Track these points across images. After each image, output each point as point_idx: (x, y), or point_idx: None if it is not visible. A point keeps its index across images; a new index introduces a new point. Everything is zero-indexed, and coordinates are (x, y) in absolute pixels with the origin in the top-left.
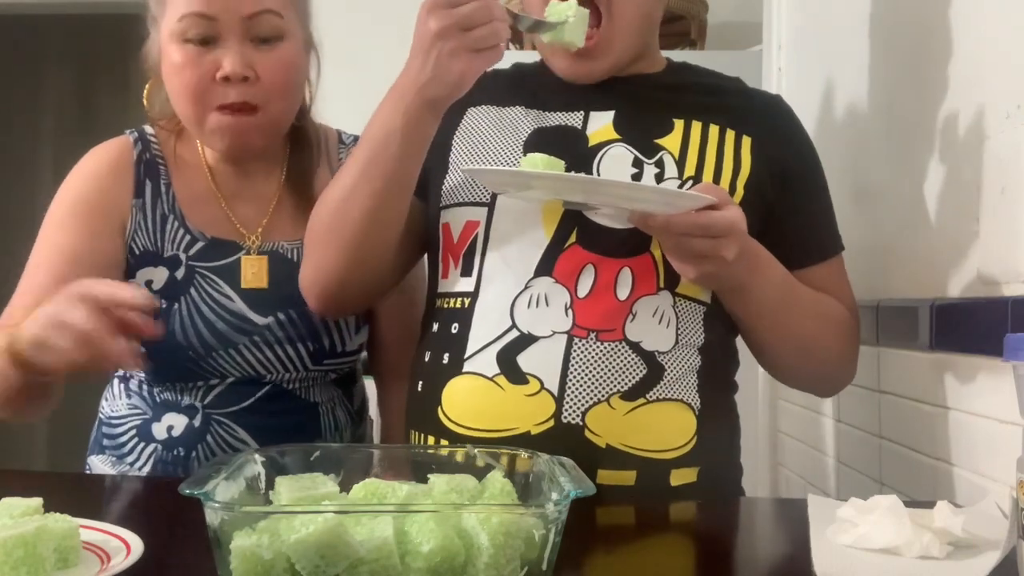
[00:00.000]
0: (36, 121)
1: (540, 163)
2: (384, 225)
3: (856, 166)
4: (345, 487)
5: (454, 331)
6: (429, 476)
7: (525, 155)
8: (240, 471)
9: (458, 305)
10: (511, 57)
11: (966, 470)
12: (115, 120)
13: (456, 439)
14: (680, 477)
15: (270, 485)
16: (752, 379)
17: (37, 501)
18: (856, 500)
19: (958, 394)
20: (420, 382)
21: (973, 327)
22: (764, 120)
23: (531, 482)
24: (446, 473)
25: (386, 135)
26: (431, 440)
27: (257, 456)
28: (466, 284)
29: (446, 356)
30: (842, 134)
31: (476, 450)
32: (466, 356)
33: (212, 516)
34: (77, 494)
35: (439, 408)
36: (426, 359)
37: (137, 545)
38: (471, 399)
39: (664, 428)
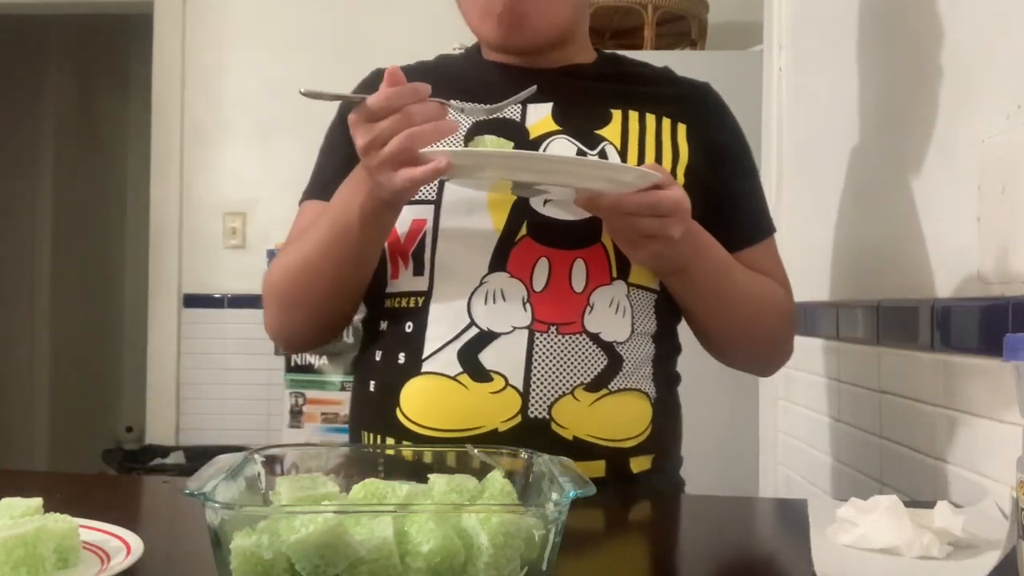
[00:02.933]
0: (36, 121)
1: (489, 144)
2: (350, 292)
3: (856, 166)
4: (345, 487)
5: (408, 330)
6: (429, 476)
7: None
8: (240, 471)
9: (411, 304)
10: None
11: (966, 470)
12: (115, 120)
13: (417, 439)
14: (638, 465)
15: (270, 485)
16: (753, 380)
17: (37, 501)
18: (856, 500)
19: (958, 394)
20: (372, 382)
21: (973, 327)
22: (696, 107)
23: (531, 482)
24: (446, 473)
25: (346, 223)
26: (389, 441)
27: (257, 456)
28: (418, 283)
29: (402, 356)
30: (842, 134)
31: (476, 450)
32: (424, 356)
33: (212, 516)
34: (77, 494)
35: (397, 409)
36: (377, 358)
37: (137, 545)
38: (433, 399)
39: (625, 417)
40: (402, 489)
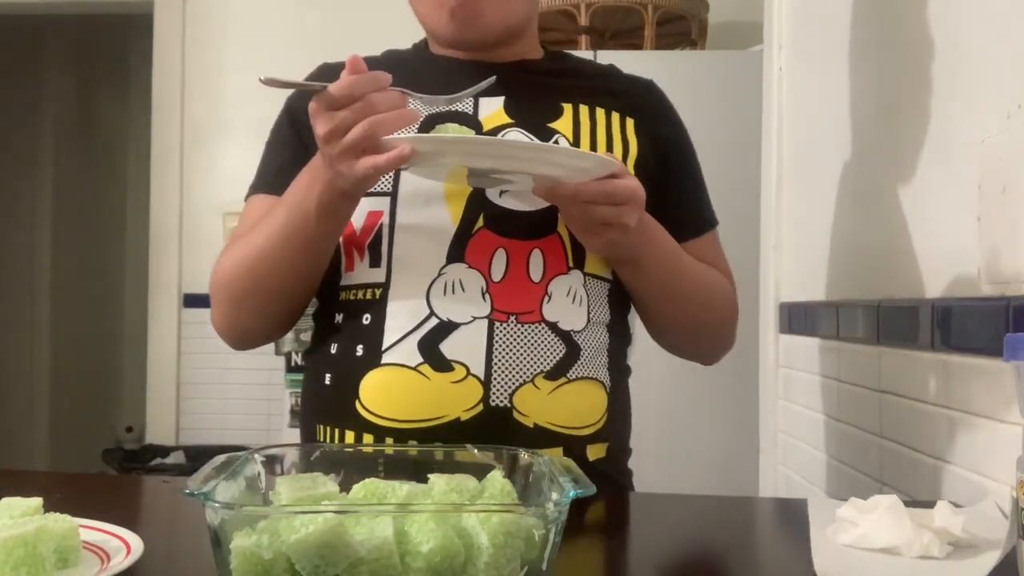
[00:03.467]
0: (36, 121)
1: (452, 132)
2: (304, 284)
3: (856, 166)
4: (345, 487)
5: (366, 322)
6: (429, 476)
7: None
8: (240, 471)
9: (368, 296)
10: None
11: (966, 470)
12: (115, 120)
13: (378, 432)
14: (594, 452)
15: (270, 485)
16: (752, 380)
17: (37, 501)
18: (856, 500)
19: (958, 394)
20: (328, 375)
21: (973, 327)
22: (642, 101)
23: (531, 482)
24: (446, 473)
25: (304, 214)
26: (348, 435)
27: (257, 456)
28: (375, 275)
29: (360, 348)
30: (842, 134)
31: (476, 450)
32: (384, 347)
33: (212, 516)
34: (77, 494)
35: (356, 401)
36: (333, 351)
37: (137, 545)
38: (395, 390)
39: (583, 405)
40: (402, 489)
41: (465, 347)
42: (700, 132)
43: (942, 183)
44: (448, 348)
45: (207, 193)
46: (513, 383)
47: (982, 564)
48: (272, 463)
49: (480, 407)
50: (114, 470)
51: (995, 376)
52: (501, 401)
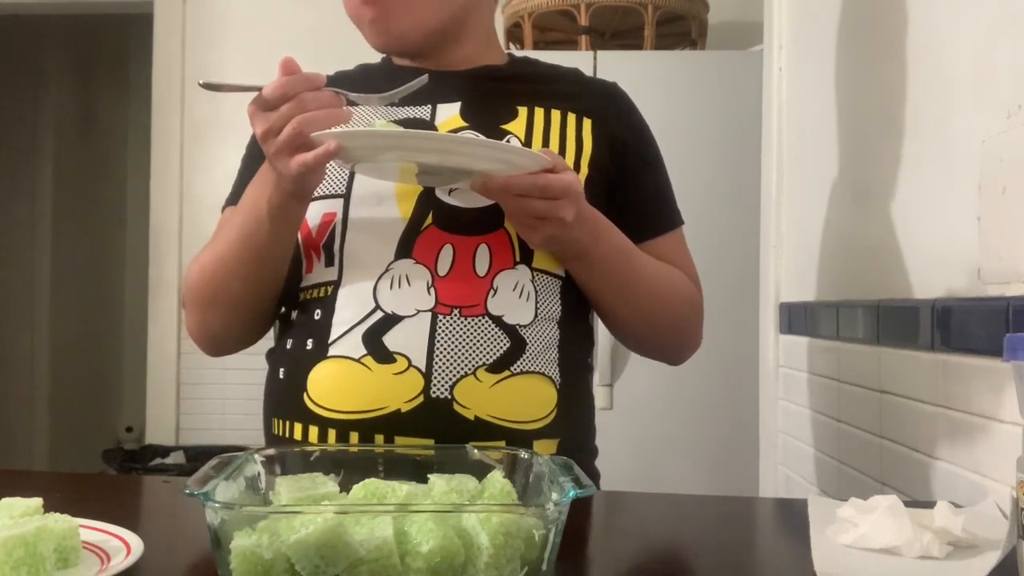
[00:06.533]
0: (36, 121)
1: (380, 127)
2: (265, 288)
3: (856, 166)
4: (345, 487)
5: (317, 317)
6: (429, 476)
7: None
8: (240, 471)
9: (321, 294)
10: None
11: (966, 470)
12: (115, 120)
13: (323, 423)
14: (543, 448)
15: (270, 485)
16: (752, 380)
17: (37, 501)
18: (856, 500)
19: (958, 394)
20: (282, 369)
21: (973, 327)
22: (602, 103)
23: (531, 482)
24: (446, 473)
25: (257, 219)
26: (297, 427)
27: (257, 456)
28: (329, 273)
29: (309, 342)
30: (842, 134)
31: (476, 450)
32: (331, 340)
33: (212, 516)
34: (77, 494)
35: (304, 394)
36: (288, 346)
37: (137, 545)
38: (338, 382)
39: (528, 399)
40: (402, 489)
41: (407, 339)
42: (700, 132)
43: (942, 183)
44: (391, 340)
45: (207, 193)
46: (454, 375)
47: (982, 564)
48: (272, 463)
49: (420, 398)
50: (114, 470)
51: (995, 376)
52: (442, 393)
